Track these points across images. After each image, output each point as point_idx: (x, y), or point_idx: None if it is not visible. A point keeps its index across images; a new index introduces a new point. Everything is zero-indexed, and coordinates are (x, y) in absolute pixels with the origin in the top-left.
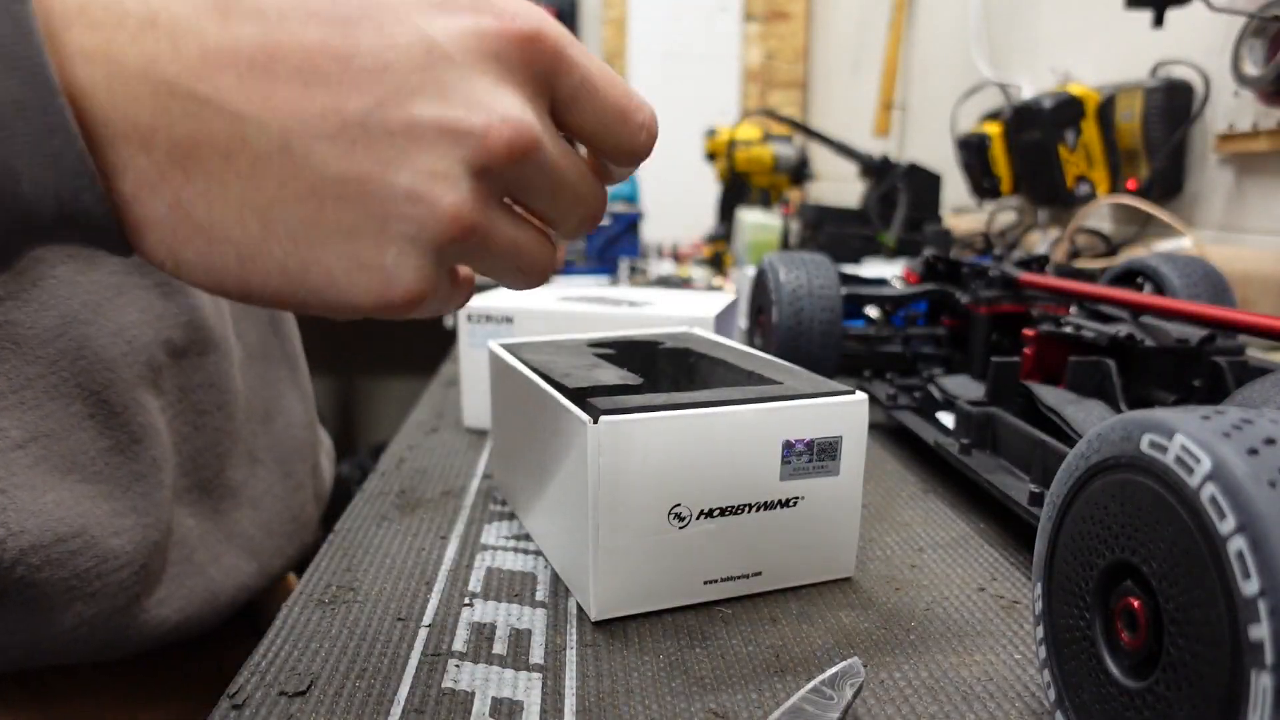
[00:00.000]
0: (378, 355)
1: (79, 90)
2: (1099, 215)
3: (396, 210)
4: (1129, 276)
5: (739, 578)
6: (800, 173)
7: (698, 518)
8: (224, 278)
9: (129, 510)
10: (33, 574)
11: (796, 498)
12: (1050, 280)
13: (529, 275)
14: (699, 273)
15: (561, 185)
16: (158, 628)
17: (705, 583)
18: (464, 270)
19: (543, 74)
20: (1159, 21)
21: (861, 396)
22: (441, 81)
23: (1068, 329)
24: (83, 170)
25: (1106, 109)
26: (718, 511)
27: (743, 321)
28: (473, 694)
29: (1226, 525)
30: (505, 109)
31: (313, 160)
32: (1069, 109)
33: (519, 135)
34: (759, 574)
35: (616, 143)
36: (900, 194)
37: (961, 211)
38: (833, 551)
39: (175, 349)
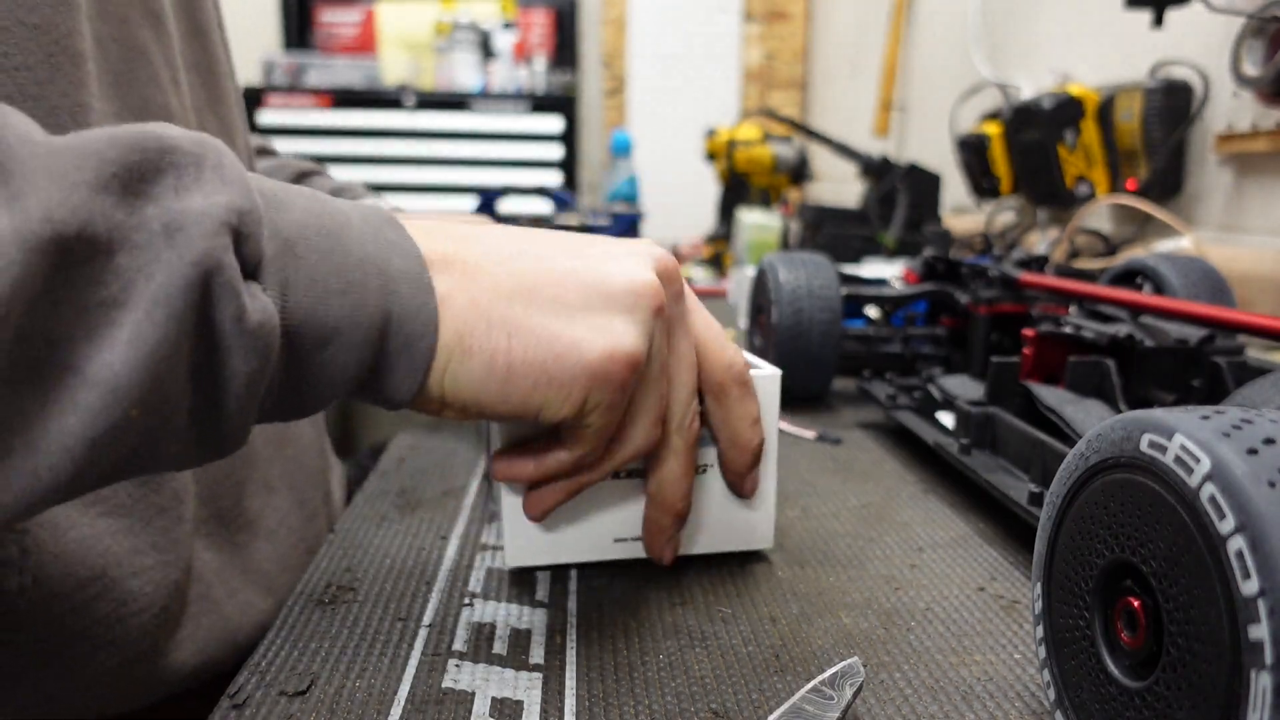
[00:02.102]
0: None
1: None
2: (1098, 215)
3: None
4: (1128, 276)
5: None
6: (800, 173)
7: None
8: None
9: (149, 548)
10: (53, 622)
11: (705, 465)
12: (1050, 280)
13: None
14: (699, 273)
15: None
16: (176, 673)
17: (615, 540)
18: None
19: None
20: (1158, 22)
21: (774, 371)
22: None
23: (1067, 329)
24: (431, 355)
25: (1106, 109)
26: (624, 473)
27: (743, 322)
28: (473, 694)
29: (1226, 525)
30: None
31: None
32: (1068, 109)
33: (672, 267)
34: None
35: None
36: (900, 194)
37: (961, 211)
38: (747, 522)
39: None
